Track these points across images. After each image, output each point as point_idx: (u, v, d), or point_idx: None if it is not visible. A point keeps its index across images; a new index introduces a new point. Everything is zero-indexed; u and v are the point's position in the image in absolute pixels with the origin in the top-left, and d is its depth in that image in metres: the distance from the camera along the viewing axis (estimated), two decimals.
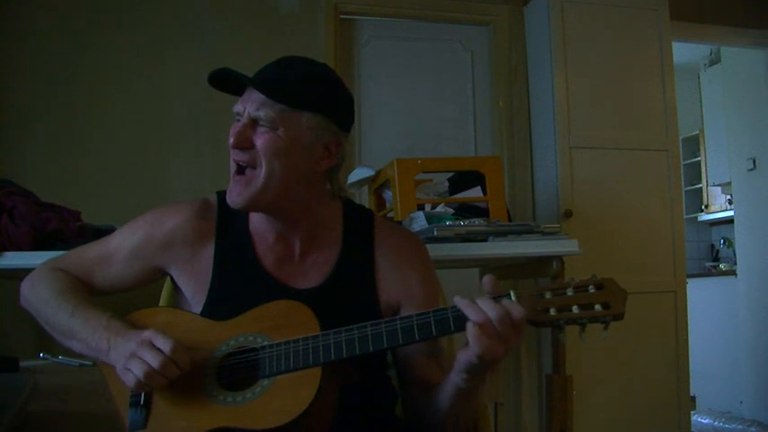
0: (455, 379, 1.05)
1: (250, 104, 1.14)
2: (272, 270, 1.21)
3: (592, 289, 0.99)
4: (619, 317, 0.99)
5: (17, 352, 2.05)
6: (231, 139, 1.14)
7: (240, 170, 1.16)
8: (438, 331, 1.00)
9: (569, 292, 0.99)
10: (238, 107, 1.17)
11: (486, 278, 1.01)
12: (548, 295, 1.00)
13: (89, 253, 1.27)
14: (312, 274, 1.22)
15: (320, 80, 1.19)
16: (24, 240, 1.86)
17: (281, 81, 1.15)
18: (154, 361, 1.02)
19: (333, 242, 1.24)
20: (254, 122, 1.14)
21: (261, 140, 1.13)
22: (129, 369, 1.04)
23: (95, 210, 2.28)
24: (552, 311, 0.98)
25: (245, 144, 1.14)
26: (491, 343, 0.95)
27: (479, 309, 0.97)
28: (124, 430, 1.08)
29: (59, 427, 1.69)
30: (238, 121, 1.16)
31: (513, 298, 0.99)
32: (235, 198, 1.16)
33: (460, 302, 0.99)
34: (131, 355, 1.04)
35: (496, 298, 0.99)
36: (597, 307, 0.98)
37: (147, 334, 1.06)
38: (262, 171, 1.13)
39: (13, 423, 1.49)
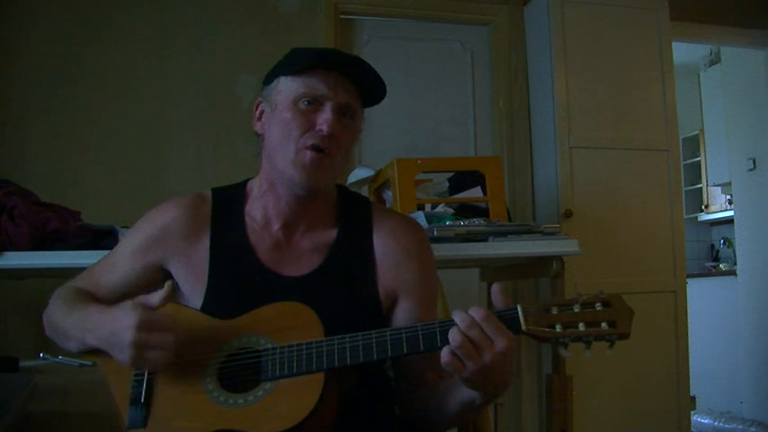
0: (467, 392, 1.03)
1: (342, 93, 1.17)
2: (267, 258, 1.20)
3: (599, 306, 0.98)
4: (624, 336, 0.98)
5: (17, 352, 2.04)
6: (323, 127, 1.14)
7: (319, 150, 1.16)
8: (443, 342, 1.00)
9: (576, 309, 0.98)
10: (321, 90, 1.17)
11: (494, 289, 1.01)
12: (554, 310, 0.98)
13: (97, 265, 1.29)
14: (308, 259, 1.21)
15: None
16: (24, 240, 1.86)
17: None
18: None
19: (328, 227, 1.24)
20: (339, 112, 1.17)
21: (345, 132, 1.18)
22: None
23: (95, 210, 2.28)
24: (558, 327, 0.97)
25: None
26: (456, 359, 0.96)
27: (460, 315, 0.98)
28: (124, 430, 1.08)
29: (59, 427, 1.69)
30: (309, 103, 1.17)
31: (519, 312, 0.98)
32: (318, 179, 1.17)
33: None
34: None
35: (498, 312, 0.99)
36: (603, 325, 0.97)
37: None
38: (337, 160, 1.18)
39: (13, 423, 1.48)
